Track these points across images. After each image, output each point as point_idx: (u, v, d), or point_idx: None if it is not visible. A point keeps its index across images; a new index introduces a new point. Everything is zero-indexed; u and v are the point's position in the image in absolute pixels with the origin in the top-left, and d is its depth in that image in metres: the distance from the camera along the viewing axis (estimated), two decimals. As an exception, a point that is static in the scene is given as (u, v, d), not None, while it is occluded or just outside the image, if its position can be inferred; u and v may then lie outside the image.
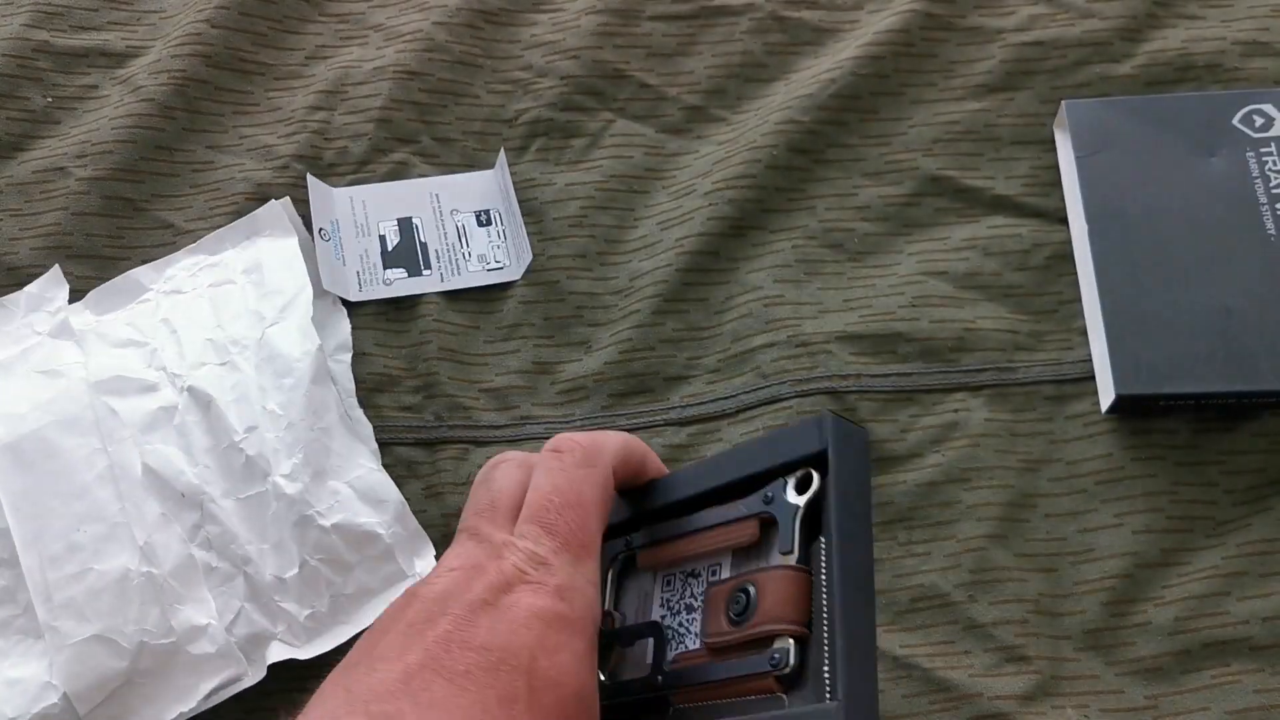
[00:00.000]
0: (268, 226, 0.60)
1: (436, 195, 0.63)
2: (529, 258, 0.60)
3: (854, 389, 0.56)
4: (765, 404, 0.56)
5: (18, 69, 0.66)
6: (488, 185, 0.63)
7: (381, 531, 0.51)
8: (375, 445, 0.55)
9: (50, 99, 0.66)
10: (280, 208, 0.60)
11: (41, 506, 0.50)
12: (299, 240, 0.59)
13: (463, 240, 0.61)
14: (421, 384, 0.57)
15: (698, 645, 0.36)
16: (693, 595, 0.37)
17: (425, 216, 0.62)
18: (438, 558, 0.50)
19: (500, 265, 0.60)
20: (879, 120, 0.63)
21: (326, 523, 0.51)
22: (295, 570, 0.50)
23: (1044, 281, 0.58)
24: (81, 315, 0.58)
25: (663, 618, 0.38)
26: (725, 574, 0.36)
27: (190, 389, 0.54)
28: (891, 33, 0.64)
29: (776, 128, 0.62)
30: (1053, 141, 0.62)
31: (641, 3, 0.68)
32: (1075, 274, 0.58)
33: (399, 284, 0.60)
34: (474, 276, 0.60)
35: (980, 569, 0.51)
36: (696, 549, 0.37)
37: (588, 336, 0.59)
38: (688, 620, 0.37)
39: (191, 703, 0.49)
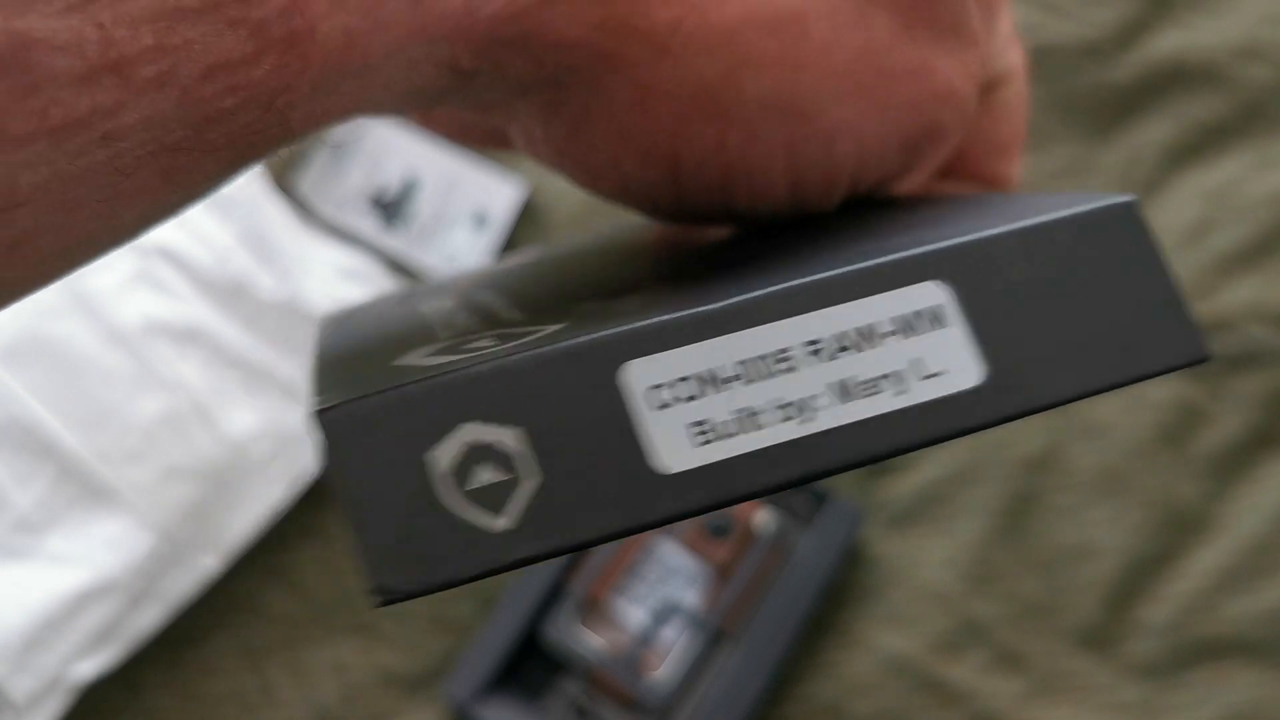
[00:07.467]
0: None
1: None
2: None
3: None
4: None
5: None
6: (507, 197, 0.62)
7: None
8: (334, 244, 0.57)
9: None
10: None
11: (63, 388, 0.51)
12: None
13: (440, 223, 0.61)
14: None
15: None
16: None
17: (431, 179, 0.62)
18: None
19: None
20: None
21: (319, 310, 0.54)
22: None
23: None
24: None
25: None
26: None
27: (139, 245, 0.54)
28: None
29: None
30: (1048, 145, 0.62)
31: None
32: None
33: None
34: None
35: (978, 567, 0.51)
36: None
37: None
38: None
39: (270, 500, 0.51)
